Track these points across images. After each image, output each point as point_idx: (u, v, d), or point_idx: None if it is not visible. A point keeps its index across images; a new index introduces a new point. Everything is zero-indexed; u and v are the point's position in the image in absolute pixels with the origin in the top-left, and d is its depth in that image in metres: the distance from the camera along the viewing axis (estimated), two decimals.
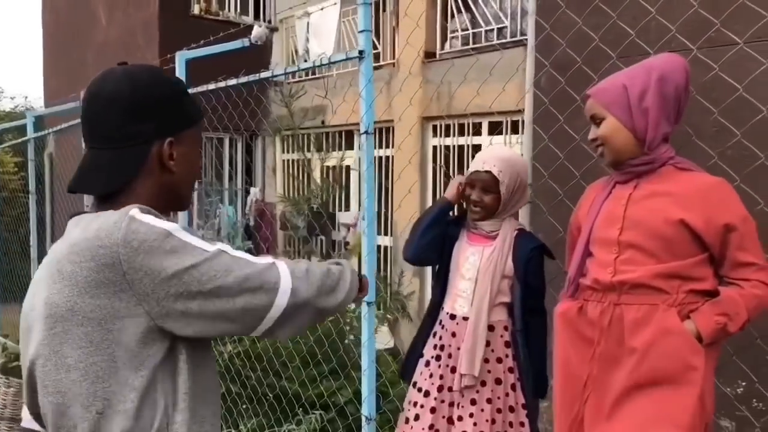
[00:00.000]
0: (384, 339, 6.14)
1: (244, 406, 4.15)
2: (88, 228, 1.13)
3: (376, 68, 7.98)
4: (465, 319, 2.41)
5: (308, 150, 8.70)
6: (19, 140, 7.07)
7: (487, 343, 2.38)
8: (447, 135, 7.18)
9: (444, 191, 2.57)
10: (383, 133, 7.94)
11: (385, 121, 7.44)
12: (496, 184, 2.38)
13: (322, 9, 8.33)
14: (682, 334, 1.75)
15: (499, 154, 2.46)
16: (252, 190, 9.01)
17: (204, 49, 4.00)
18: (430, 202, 7.06)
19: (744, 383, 2.82)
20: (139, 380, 1.09)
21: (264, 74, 3.25)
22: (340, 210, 8.38)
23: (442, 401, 2.44)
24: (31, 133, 6.34)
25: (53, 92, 11.88)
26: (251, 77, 3.31)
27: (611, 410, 1.81)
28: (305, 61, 9.50)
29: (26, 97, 20.86)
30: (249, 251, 5.86)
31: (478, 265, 2.41)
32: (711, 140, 2.60)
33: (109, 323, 1.09)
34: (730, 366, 2.44)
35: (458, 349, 2.41)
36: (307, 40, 9.09)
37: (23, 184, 9.55)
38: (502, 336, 2.40)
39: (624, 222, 1.85)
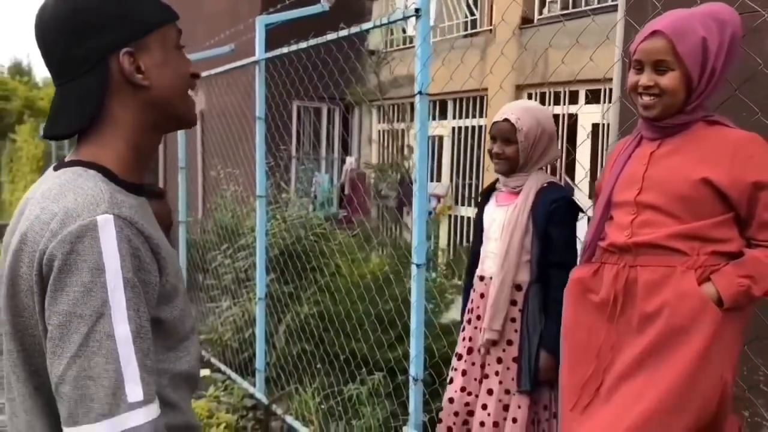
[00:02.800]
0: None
1: (317, 366, 4.25)
2: (68, 191, 1.02)
3: (472, 35, 7.87)
4: (492, 279, 2.38)
5: (403, 120, 8.71)
6: None
7: (515, 302, 2.33)
8: (542, 103, 6.95)
9: None
10: (476, 101, 7.79)
11: (478, 89, 7.30)
12: (515, 132, 2.33)
13: None
14: (698, 297, 1.63)
15: (519, 104, 2.46)
16: (347, 159, 9.13)
17: (283, 14, 4.06)
18: None
19: None
20: None
21: (330, 36, 3.24)
22: (431, 180, 8.34)
23: (473, 363, 2.44)
24: None
25: None
26: (321, 39, 3.32)
27: (615, 382, 1.72)
28: (403, 30, 9.47)
29: None
30: (341, 220, 5.93)
31: (503, 223, 2.36)
32: None
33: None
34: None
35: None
36: (406, 6, 9.04)
37: None
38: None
39: (643, 183, 1.74)
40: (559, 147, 2.42)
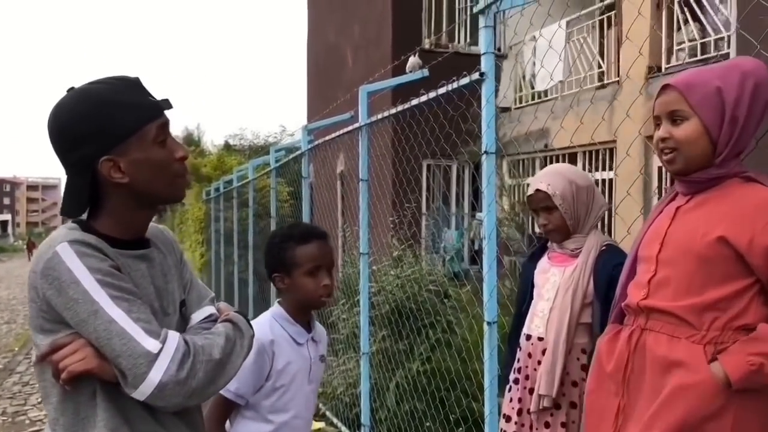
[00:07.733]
0: None
1: (428, 424, 4.27)
2: (43, 243, 1.31)
3: (600, 88, 7.72)
4: (540, 339, 2.34)
5: (531, 174, 8.65)
6: (262, 172, 8.07)
7: (563, 366, 2.27)
8: None
9: None
10: (603, 155, 7.59)
11: (606, 142, 7.13)
12: (551, 199, 2.33)
13: (549, 35, 8.27)
14: (700, 381, 1.52)
15: (545, 171, 2.45)
16: (478, 215, 9.18)
17: (385, 82, 4.29)
18: None
19: None
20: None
21: (428, 95, 3.31)
22: None
23: (522, 425, 2.39)
24: (273, 164, 7.31)
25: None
26: (411, 102, 3.47)
27: None
28: (532, 86, 9.49)
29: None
30: (470, 275, 5.95)
31: (558, 283, 2.31)
32: None
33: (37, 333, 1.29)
34: None
35: (535, 369, 2.34)
36: (534, 64, 9.08)
37: (292, 211, 10.80)
38: (578, 359, 2.27)
39: (665, 238, 1.66)
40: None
